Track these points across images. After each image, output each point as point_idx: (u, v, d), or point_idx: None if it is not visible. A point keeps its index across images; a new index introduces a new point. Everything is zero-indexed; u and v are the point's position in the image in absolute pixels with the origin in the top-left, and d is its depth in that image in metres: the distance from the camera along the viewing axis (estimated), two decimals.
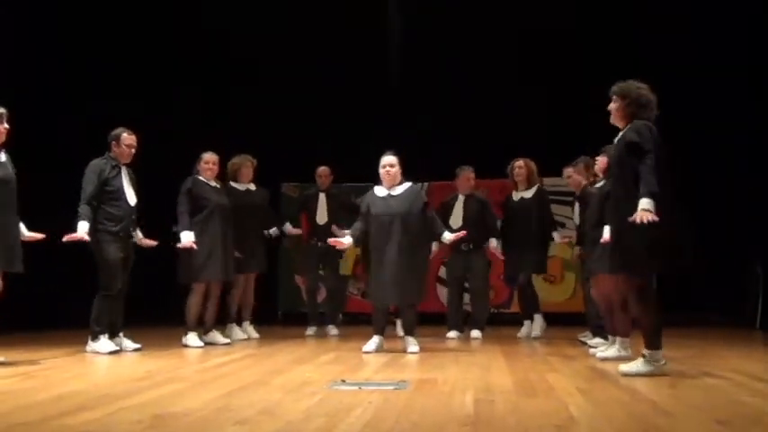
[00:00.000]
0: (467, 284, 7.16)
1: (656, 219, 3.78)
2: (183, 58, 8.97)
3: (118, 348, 5.53)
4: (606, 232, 4.78)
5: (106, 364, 5.01)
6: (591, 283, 5.36)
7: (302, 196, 7.94)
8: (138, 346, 5.69)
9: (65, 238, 5.27)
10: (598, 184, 5.40)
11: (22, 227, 4.97)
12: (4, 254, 4.66)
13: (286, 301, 9.09)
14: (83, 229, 5.33)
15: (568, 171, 6.29)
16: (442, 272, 8.59)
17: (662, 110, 4.23)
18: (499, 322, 8.26)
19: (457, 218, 6.90)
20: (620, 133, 4.20)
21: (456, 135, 8.70)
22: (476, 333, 6.82)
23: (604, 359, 4.86)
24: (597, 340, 5.64)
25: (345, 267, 8.63)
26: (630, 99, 4.15)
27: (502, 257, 7.16)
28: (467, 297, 7.36)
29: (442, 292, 8.53)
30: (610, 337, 5.21)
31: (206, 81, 9.04)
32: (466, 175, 7.06)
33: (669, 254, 3.95)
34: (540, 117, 8.65)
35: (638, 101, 4.14)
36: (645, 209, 3.81)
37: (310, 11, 8.66)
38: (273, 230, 7.23)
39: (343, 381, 3.84)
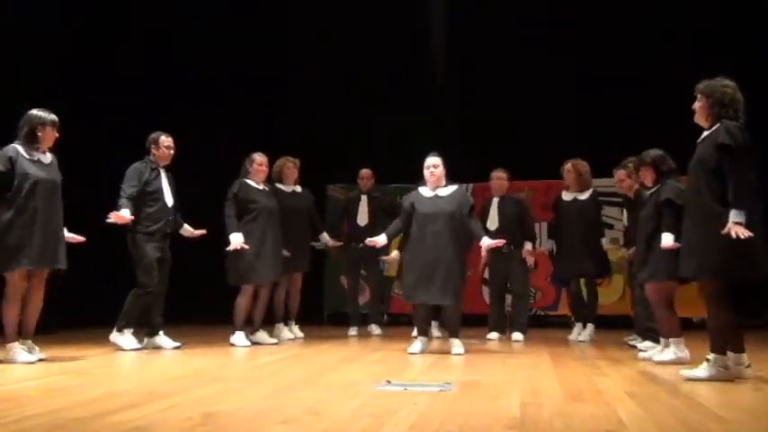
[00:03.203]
0: (509, 285, 7.11)
1: (749, 234, 3.68)
2: (226, 60, 9.10)
3: (139, 346, 5.65)
4: (666, 238, 4.70)
5: (154, 361, 5.10)
6: (646, 287, 5.21)
7: (345, 199, 7.99)
8: (177, 344, 5.80)
9: (110, 217, 5.40)
10: (651, 190, 5.25)
11: (64, 229, 5.13)
12: (47, 252, 4.81)
13: (332, 301, 9.12)
14: (126, 212, 5.49)
15: (620, 174, 6.20)
16: (488, 274, 8.56)
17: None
18: (546, 324, 8.19)
19: (493, 220, 6.88)
20: (706, 133, 4.08)
21: (501, 135, 8.64)
22: (517, 335, 6.77)
23: (661, 362, 4.79)
24: (647, 344, 5.54)
25: (391, 269, 8.64)
26: (714, 98, 4.03)
27: (532, 263, 7.09)
28: (509, 299, 7.30)
29: (488, 294, 8.49)
30: (662, 339, 5.11)
31: (253, 83, 9.14)
32: (497, 176, 7.06)
33: (745, 261, 3.83)
34: (588, 117, 8.54)
35: (720, 100, 4.02)
36: (737, 222, 3.72)
37: (354, 11, 8.69)
38: (318, 243, 7.23)
39: (389, 381, 3.84)
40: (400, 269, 8.44)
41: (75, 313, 7.18)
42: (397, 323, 8.58)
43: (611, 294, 8.43)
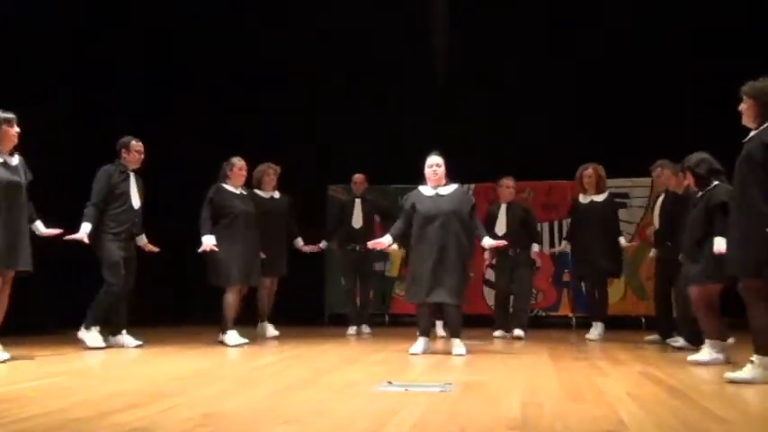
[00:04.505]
0: (512, 286, 7.28)
1: None
2: (226, 60, 9.10)
3: (104, 345, 5.70)
4: (719, 243, 4.58)
5: (154, 362, 5.10)
6: (691, 288, 5.10)
7: (340, 203, 8.18)
8: (139, 342, 5.85)
9: (66, 237, 5.52)
10: (700, 193, 5.18)
11: (39, 224, 5.22)
12: (11, 254, 4.82)
13: (333, 302, 9.13)
14: (84, 230, 5.61)
15: (667, 171, 6.21)
16: (489, 274, 8.58)
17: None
18: (547, 325, 8.19)
19: (501, 225, 7.10)
20: (754, 132, 4.06)
21: (501, 135, 8.65)
22: (518, 332, 6.96)
23: (694, 362, 4.78)
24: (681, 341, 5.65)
25: (392, 269, 8.76)
26: (760, 100, 4.02)
27: (539, 264, 7.53)
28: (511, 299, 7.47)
29: (489, 295, 8.53)
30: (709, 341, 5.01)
31: (253, 83, 9.14)
32: (505, 184, 7.27)
33: None
34: (588, 118, 8.54)
35: (764, 101, 4.00)
36: None
37: (354, 11, 8.67)
38: (323, 243, 7.54)
39: (390, 382, 3.84)
40: (401, 268, 8.53)
41: (74, 314, 7.18)
42: (399, 324, 8.59)
43: (612, 295, 8.44)
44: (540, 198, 8.61)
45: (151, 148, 6.20)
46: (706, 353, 4.84)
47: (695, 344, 5.32)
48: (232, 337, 6.10)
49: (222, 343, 6.11)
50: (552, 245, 8.46)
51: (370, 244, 5.78)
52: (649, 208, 8.25)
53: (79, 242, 5.59)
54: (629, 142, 8.21)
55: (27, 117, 5.07)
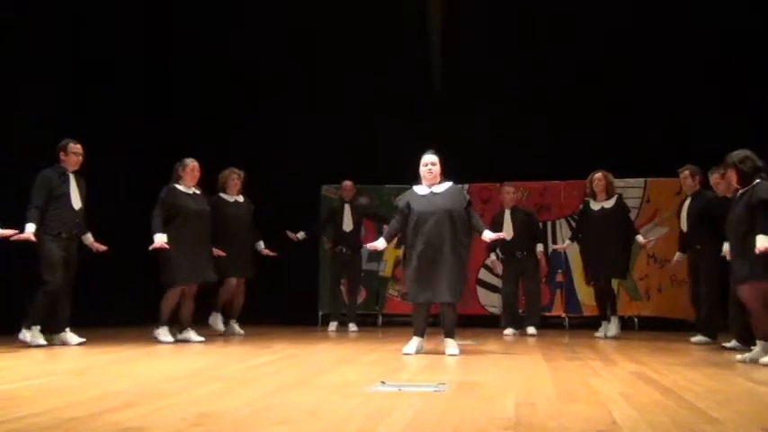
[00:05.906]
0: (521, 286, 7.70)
1: None
2: (224, 61, 9.10)
3: (45, 343, 5.76)
4: (761, 240, 4.55)
5: (149, 361, 5.11)
6: (741, 288, 5.05)
7: (330, 208, 8.41)
8: (82, 340, 5.90)
9: (12, 238, 5.57)
10: (742, 190, 5.06)
11: None
12: None
13: (326, 302, 9.13)
14: (29, 230, 5.68)
15: (715, 177, 6.20)
16: (483, 274, 8.61)
17: None
18: (542, 325, 8.22)
19: (508, 230, 7.45)
20: None
21: (499, 136, 8.66)
22: (531, 330, 7.37)
23: (757, 362, 4.75)
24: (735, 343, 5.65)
25: (386, 269, 8.82)
26: None
27: (545, 263, 7.88)
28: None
29: (483, 295, 8.56)
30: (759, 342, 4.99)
31: (251, 83, 9.14)
32: (506, 191, 7.71)
33: None
34: (584, 120, 8.56)
35: None
36: None
37: (353, 14, 8.68)
38: (300, 234, 7.80)
39: (383, 382, 3.84)
40: (395, 269, 8.58)
41: (72, 314, 7.18)
42: (392, 324, 8.60)
43: None
44: (535, 199, 8.64)
45: (150, 148, 6.20)
46: (757, 353, 4.79)
47: (747, 344, 5.30)
48: (164, 333, 6.26)
49: (156, 338, 6.24)
50: (546, 245, 8.49)
51: (369, 246, 5.80)
52: (642, 208, 8.35)
53: (26, 241, 5.63)
54: (623, 143, 8.25)
55: (26, 117, 5.06)
